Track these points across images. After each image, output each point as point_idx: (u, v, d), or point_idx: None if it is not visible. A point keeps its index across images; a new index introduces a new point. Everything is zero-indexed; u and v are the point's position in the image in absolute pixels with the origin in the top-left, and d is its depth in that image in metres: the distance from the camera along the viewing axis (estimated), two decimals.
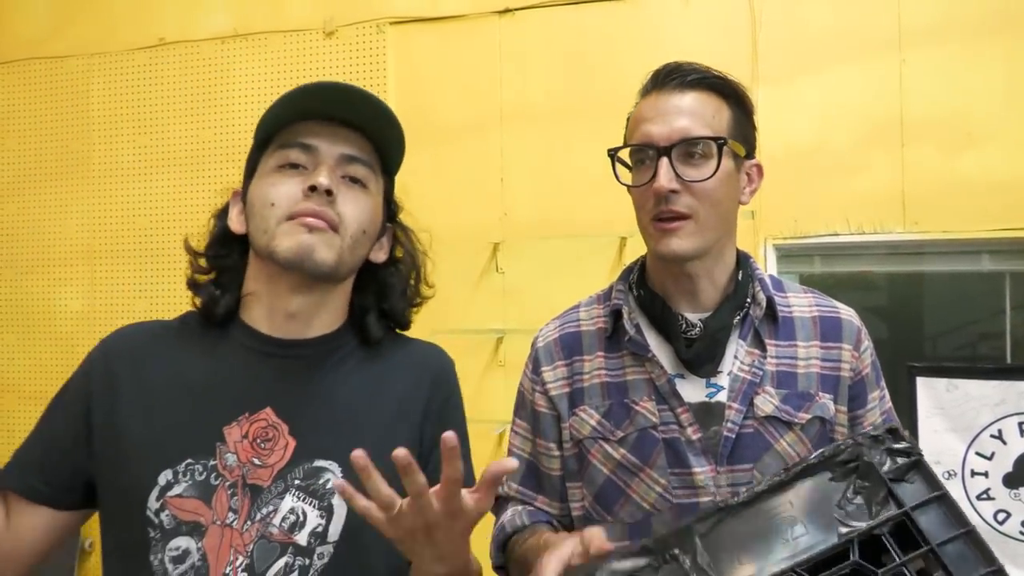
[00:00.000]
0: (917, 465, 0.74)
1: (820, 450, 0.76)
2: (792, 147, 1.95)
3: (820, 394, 1.04)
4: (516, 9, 2.16)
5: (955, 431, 1.75)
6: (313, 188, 0.88)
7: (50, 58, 2.49)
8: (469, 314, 2.13)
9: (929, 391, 1.78)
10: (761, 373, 1.03)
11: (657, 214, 1.01)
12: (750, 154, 1.07)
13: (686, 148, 0.99)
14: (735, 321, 1.05)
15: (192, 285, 0.97)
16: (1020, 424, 1.71)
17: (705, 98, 1.02)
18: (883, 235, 1.93)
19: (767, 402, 1.02)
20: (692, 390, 1.04)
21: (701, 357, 1.03)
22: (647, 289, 1.09)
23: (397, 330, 1.05)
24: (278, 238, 0.88)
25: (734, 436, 1.01)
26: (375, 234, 0.98)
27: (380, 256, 1.00)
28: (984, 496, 1.72)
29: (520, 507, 1.12)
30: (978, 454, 1.74)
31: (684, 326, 1.03)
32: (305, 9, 2.31)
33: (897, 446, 0.75)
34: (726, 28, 2.02)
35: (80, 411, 0.91)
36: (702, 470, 1.01)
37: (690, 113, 1.00)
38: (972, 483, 1.74)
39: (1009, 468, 1.72)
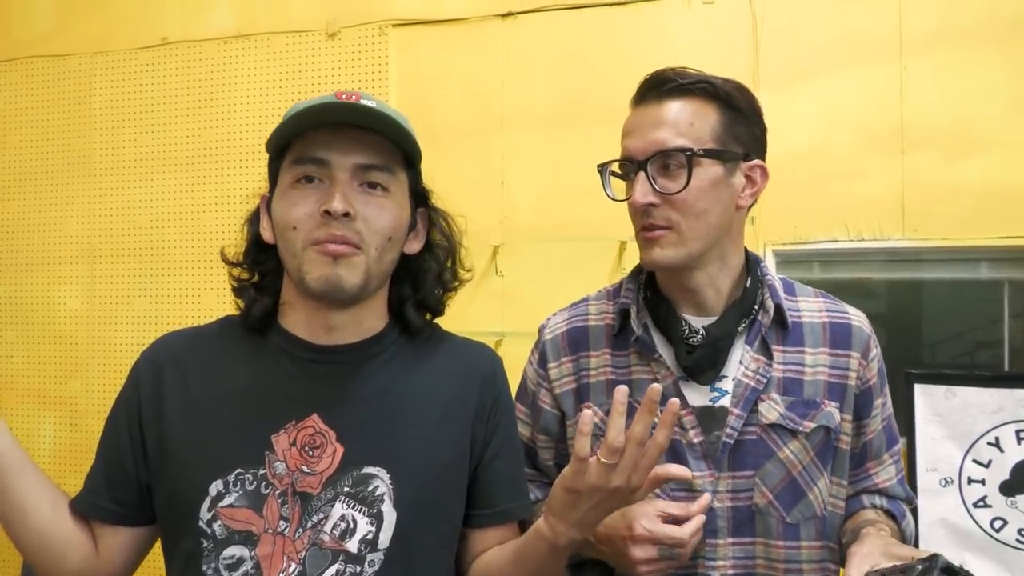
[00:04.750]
0: None
1: None
2: (792, 153, 1.95)
3: (826, 402, 1.03)
4: (518, 12, 2.16)
5: (953, 438, 1.75)
6: (328, 213, 0.85)
7: (53, 56, 2.49)
8: (468, 316, 2.12)
9: (927, 398, 1.77)
10: (766, 380, 1.02)
11: (641, 226, 1.02)
12: (749, 155, 1.03)
13: (662, 160, 0.99)
14: (741, 328, 1.04)
15: (236, 289, 0.97)
16: (1017, 432, 1.71)
17: (684, 106, 1.00)
18: (882, 242, 1.93)
19: (772, 409, 1.01)
20: (696, 393, 1.03)
21: (701, 364, 1.02)
22: (655, 291, 1.09)
23: (431, 318, 1.03)
24: (306, 266, 0.87)
25: (732, 442, 1.01)
26: (404, 234, 0.95)
27: (415, 247, 0.98)
28: (981, 504, 1.72)
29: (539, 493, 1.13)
30: (975, 462, 1.74)
31: (687, 332, 1.03)
32: (308, 10, 2.31)
33: None
34: (728, 33, 2.03)
35: (132, 425, 0.91)
36: (701, 474, 1.00)
37: (666, 124, 0.99)
38: (969, 490, 1.73)
39: (1006, 476, 1.72)
